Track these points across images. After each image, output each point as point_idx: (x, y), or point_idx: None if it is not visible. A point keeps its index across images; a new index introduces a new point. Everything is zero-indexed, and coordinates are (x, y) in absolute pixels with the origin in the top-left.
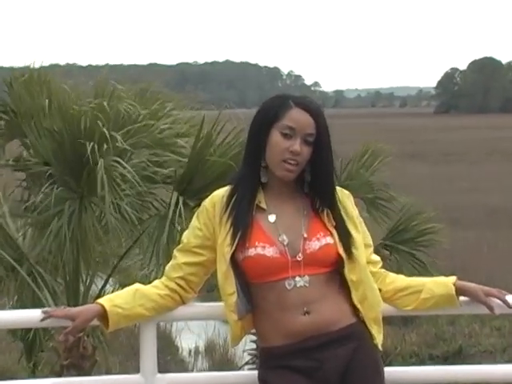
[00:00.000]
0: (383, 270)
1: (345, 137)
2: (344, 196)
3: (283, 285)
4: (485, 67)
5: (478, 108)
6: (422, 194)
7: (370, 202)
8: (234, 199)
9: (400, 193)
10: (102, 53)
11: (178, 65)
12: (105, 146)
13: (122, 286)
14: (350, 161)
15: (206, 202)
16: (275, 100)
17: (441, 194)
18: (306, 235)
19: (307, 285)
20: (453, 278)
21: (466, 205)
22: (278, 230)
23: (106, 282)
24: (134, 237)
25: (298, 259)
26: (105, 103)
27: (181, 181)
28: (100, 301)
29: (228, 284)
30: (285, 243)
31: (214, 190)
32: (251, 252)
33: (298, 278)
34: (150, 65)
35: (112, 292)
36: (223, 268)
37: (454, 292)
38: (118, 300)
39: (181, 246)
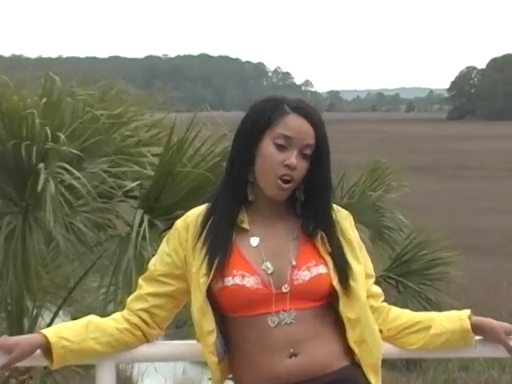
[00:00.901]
0: (385, 304)
1: (341, 146)
2: (341, 217)
3: (265, 322)
4: (507, 66)
5: (498, 114)
6: (432, 214)
7: (375, 229)
8: (211, 221)
9: (406, 214)
10: (54, 43)
11: (144, 58)
12: (49, 150)
13: (75, 319)
14: (356, 182)
15: (179, 224)
16: (267, 103)
17: (454, 215)
18: (294, 263)
19: (294, 321)
20: (467, 311)
21: (482, 228)
22: (262, 256)
23: (56, 314)
24: (90, 262)
25: (284, 291)
26: (53, 100)
27: (146, 196)
28: (44, 331)
29: (206, 320)
30: (269, 272)
31: (186, 207)
32: (228, 281)
33: (282, 314)
34: (112, 58)
35: None
36: (199, 302)
37: (469, 326)
38: (66, 331)
39: (146, 273)
